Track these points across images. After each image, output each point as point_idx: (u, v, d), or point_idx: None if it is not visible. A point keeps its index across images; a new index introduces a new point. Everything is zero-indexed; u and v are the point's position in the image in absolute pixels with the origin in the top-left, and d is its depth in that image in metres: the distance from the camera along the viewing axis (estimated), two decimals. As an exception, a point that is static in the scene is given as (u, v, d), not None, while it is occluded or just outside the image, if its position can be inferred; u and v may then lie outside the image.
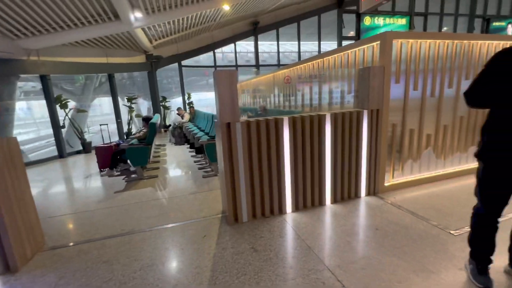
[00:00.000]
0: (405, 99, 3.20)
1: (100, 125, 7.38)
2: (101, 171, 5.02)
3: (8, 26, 5.28)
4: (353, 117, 2.93)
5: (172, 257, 2.20)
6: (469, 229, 1.77)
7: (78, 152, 7.50)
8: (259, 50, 14.36)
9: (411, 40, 3.06)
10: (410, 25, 16.11)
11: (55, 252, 2.38)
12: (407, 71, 3.12)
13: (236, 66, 13.55)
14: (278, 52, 14.06)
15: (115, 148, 5.01)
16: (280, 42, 14.43)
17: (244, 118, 2.70)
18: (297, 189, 2.86)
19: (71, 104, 7.55)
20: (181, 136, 7.62)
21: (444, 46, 3.23)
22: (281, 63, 14.16)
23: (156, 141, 8.26)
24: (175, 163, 5.55)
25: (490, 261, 1.71)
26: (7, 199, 2.05)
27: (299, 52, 14.34)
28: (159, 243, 2.42)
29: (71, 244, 2.51)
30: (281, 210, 2.85)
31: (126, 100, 9.11)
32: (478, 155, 1.59)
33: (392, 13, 15.25)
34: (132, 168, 4.91)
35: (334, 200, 3.05)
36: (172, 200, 3.46)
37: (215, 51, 13.06)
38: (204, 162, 5.26)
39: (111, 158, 4.82)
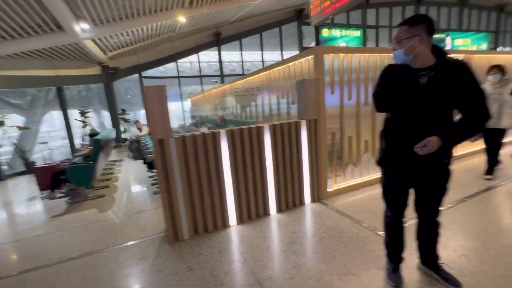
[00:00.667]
0: (341, 108, 3.41)
1: (41, 143, 6.82)
2: (42, 193, 4.61)
3: None
4: (292, 127, 3.04)
5: (98, 287, 2.05)
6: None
7: (21, 173, 6.83)
8: (229, 60, 14.49)
9: (341, 54, 3.28)
10: (364, 37, 17.36)
11: (-39, 293, 2.11)
12: (340, 82, 3.33)
13: (200, 76, 13.48)
14: (242, 62, 14.29)
15: (58, 168, 4.64)
16: (248, 52, 14.70)
17: (205, 128, 2.65)
18: (240, 201, 2.87)
19: (13, 120, 6.90)
20: (138, 150, 7.29)
21: (373, 59, 3.52)
22: (248, 72, 14.40)
23: (113, 157, 7.83)
24: (128, 180, 5.29)
25: (401, 260, 1.84)
26: None
27: (262, 62, 14.71)
28: (88, 271, 2.25)
29: (-16, 282, 2.24)
30: (225, 224, 2.83)
31: (79, 114, 8.55)
32: (379, 162, 1.72)
33: (348, 25, 16.38)
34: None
35: (279, 209, 3.10)
36: (114, 221, 3.27)
37: (180, 61, 12.92)
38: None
39: (52, 179, 4.45)
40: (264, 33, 14.43)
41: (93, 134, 4.86)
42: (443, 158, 1.53)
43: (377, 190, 3.52)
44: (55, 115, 11.46)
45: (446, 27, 17.94)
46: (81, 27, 5.90)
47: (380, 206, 3.02)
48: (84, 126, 8.63)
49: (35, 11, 5.03)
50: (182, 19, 7.56)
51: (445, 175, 1.59)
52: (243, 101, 5.89)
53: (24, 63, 7.02)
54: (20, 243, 2.92)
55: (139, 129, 8.07)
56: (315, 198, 3.31)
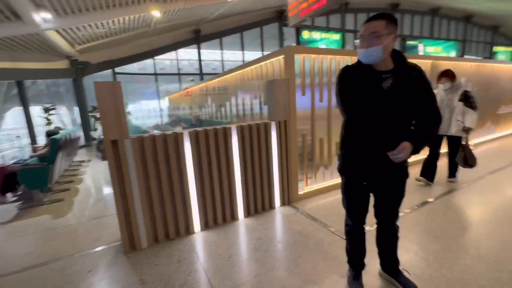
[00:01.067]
0: (312, 110, 3.36)
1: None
2: (-9, 197, 4.16)
3: None
4: (261, 128, 2.94)
5: (35, 305, 1.83)
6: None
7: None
8: (211, 59, 14.17)
9: (313, 55, 3.23)
10: (343, 40, 17.72)
11: None
12: (312, 84, 3.29)
13: (179, 74, 13.10)
14: (222, 61, 14.09)
15: (10, 169, 4.22)
16: (231, 51, 14.47)
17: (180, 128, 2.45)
18: (205, 205, 2.72)
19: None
20: (107, 150, 6.88)
21: (344, 61, 3.51)
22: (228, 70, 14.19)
23: (80, 157, 7.35)
24: (93, 182, 4.94)
25: (363, 266, 1.80)
26: None
27: (243, 61, 14.57)
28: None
29: None
30: (188, 230, 2.67)
31: (43, 110, 7.94)
32: (339, 170, 1.66)
33: (327, 28, 16.69)
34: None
35: (248, 214, 2.99)
36: (67, 229, 2.99)
37: (160, 58, 12.48)
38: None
39: (4, 181, 4.03)
40: (245, 33, 14.32)
41: (51, 133, 4.47)
42: (405, 161, 1.50)
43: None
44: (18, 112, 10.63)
45: (419, 34, 18.82)
46: (42, 17, 5.44)
47: (348, 209, 3.03)
48: (48, 124, 8.03)
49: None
50: (156, 13, 7.25)
51: (404, 178, 1.56)
52: (217, 100, 5.73)
53: (-23, 53, 6.39)
54: (-47, 255, 2.57)
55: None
56: (285, 201, 3.24)
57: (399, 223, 1.72)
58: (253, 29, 14.45)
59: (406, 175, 1.56)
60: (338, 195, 3.43)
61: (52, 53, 8.46)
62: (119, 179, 2.28)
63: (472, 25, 20.22)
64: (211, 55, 14.45)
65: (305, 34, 16.12)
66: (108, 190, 4.36)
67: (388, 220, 1.68)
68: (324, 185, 3.56)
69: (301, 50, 3.19)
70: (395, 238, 1.73)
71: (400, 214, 1.69)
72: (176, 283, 1.94)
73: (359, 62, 1.46)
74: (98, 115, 10.51)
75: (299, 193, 3.34)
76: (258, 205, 3.05)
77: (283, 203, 3.23)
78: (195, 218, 2.68)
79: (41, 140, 8.27)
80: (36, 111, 8.57)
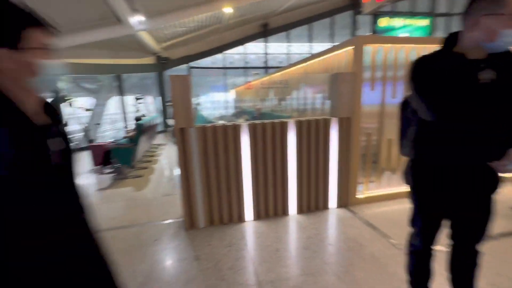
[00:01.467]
0: (382, 107, 3.02)
1: (95, 124, 7.70)
2: (95, 168, 5.24)
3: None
4: (320, 124, 2.81)
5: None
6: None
7: (84, 149, 7.90)
8: (277, 52, 14.26)
9: (387, 45, 2.87)
10: (432, 26, 15.23)
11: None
12: (383, 78, 2.94)
13: (245, 67, 13.60)
14: (288, 53, 13.93)
15: (107, 147, 5.20)
16: (297, 44, 14.23)
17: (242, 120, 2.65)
18: (258, 197, 2.79)
19: (79, 103, 7.97)
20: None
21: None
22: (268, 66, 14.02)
23: (158, 141, 8.48)
24: (166, 164, 5.66)
25: (427, 291, 1.55)
26: None
27: (310, 53, 14.07)
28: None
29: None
30: (241, 218, 2.80)
31: (134, 100, 9.45)
32: (408, 180, 1.43)
33: (412, 14, 14.55)
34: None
35: (300, 210, 2.94)
36: (144, 201, 3.52)
37: (229, 52, 13.21)
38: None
39: (104, 156, 5.00)
40: (315, 24, 13.77)
41: (137, 119, 5.28)
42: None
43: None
44: (116, 100, 12.85)
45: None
46: (137, 20, 6.39)
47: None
48: (137, 111, 9.51)
49: (98, 6, 5.61)
50: (228, 9, 7.64)
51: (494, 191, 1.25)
52: (279, 94, 5.72)
53: (90, 52, 7.97)
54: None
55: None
56: (342, 204, 3.05)
57: (483, 248, 1.40)
58: (323, 19, 13.77)
59: (497, 188, 1.25)
60: (404, 205, 3.04)
61: (142, 51, 9.89)
62: (184, 163, 2.53)
63: None
64: (279, 48, 14.41)
65: (383, 22, 14.43)
66: (177, 172, 4.93)
67: (469, 243, 1.38)
68: (388, 192, 3.19)
69: (373, 40, 2.88)
70: (475, 265, 1.42)
71: (486, 237, 1.38)
72: (225, 266, 2.07)
73: (443, 50, 1.21)
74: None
75: (357, 196, 3.09)
76: (312, 203, 2.96)
77: (338, 205, 3.05)
78: (247, 207, 2.78)
79: (132, 125, 9.91)
80: (129, 100, 10.27)
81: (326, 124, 2.83)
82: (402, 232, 2.46)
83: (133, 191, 3.97)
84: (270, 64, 13.72)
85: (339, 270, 1.96)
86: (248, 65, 13.63)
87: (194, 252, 2.27)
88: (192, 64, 12.43)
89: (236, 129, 2.60)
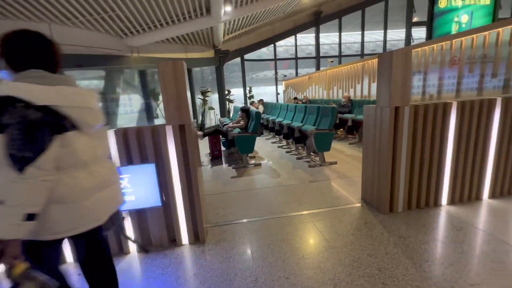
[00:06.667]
0: None
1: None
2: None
3: (121, 26, 5.86)
4: (525, 102, 2.59)
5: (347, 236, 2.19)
6: None
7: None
8: (322, 42, 13.87)
9: None
10: (496, 4, 14.12)
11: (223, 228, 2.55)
12: None
13: (296, 58, 13.37)
14: (340, 43, 13.47)
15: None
16: (341, 33, 13.73)
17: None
18: (455, 180, 2.65)
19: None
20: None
21: None
22: (342, 54, 13.60)
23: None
24: (266, 153, 5.65)
25: None
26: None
27: (362, 42, 13.56)
28: (327, 224, 2.44)
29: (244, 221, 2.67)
30: (436, 202, 2.67)
31: (200, 93, 9.59)
32: None
33: (474, -8, 13.51)
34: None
35: (492, 195, 2.76)
36: (296, 187, 3.49)
37: (278, 43, 13.02)
38: (298, 152, 5.26)
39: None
40: (367, 9, 13.19)
41: (245, 109, 5.28)
42: None
43: None
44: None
45: None
46: (225, 10, 6.38)
47: None
48: (204, 104, 9.66)
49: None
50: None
51: None
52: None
53: (168, 47, 8.14)
54: (228, 195, 3.40)
55: (256, 108, 8.56)
56: (534, 188, 2.83)
57: None
58: (377, 4, 13.14)
59: None
60: None
61: (206, 45, 9.97)
62: (393, 144, 2.44)
63: None
64: (331, 38, 13.89)
65: (442, 3, 13.57)
66: (288, 161, 4.88)
67: None
68: None
69: None
70: None
71: None
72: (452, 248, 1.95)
73: None
74: (231, 98, 12.01)
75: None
76: (506, 187, 2.77)
77: (528, 189, 2.83)
78: (444, 191, 2.65)
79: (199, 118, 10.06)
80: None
81: (531, 101, 2.60)
82: None
83: (270, 178, 3.97)
84: (319, 54, 13.37)
85: None
86: (296, 56, 13.37)
87: (422, 235, 2.18)
88: (247, 56, 12.39)
89: (446, 108, 2.46)
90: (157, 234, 2.26)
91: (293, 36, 13.12)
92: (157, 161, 2.13)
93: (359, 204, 2.85)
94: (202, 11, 6.35)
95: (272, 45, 12.94)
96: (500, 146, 2.65)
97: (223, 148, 5.75)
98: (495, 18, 13.45)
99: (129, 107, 7.73)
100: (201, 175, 2.38)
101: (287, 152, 5.55)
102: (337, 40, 13.53)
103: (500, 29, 3.13)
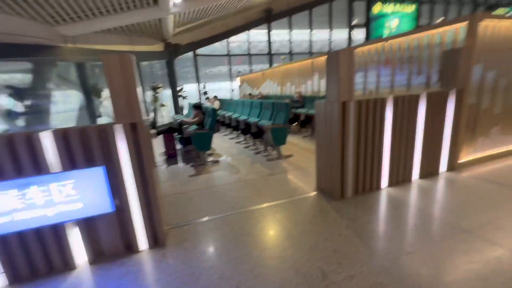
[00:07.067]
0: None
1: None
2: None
3: (50, 12, 5.11)
4: (442, 96, 3.10)
5: (303, 226, 2.34)
6: None
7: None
8: (270, 40, 14.19)
9: (505, 22, 3.21)
10: (418, 13, 16.22)
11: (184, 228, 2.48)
12: (490, 54, 3.28)
13: (249, 54, 13.47)
14: (290, 41, 14.00)
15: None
16: (291, 31, 14.26)
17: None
18: (392, 165, 3.03)
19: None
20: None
21: (518, 29, 3.40)
22: (292, 52, 14.18)
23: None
24: (224, 150, 5.62)
25: None
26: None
27: (310, 41, 14.34)
28: (286, 214, 2.55)
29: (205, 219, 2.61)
30: (378, 186, 3.02)
31: (151, 89, 8.98)
32: None
33: (401, 0, 15.39)
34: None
35: (420, 176, 3.25)
36: (256, 181, 3.57)
37: (231, 39, 12.90)
38: (256, 147, 5.36)
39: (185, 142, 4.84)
40: (314, 10, 13.96)
41: (198, 106, 5.12)
42: None
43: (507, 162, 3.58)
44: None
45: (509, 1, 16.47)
46: (174, 2, 6.07)
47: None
48: (155, 101, 9.08)
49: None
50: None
51: None
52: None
53: (112, 38, 7.40)
54: (190, 194, 3.29)
55: (212, 104, 8.39)
56: (449, 167, 3.41)
57: None
58: (323, 5, 14.01)
59: None
60: (500, 164, 3.51)
61: (154, 37, 9.35)
62: (342, 136, 2.67)
63: None
64: (282, 35, 14.25)
65: (376, 8, 15.17)
66: (246, 156, 4.95)
67: None
68: (485, 154, 3.63)
69: (489, 17, 3.17)
70: None
71: None
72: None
73: None
74: (184, 94, 11.53)
75: (461, 161, 3.47)
76: (428, 168, 3.28)
77: (448, 169, 3.41)
78: (384, 175, 3.01)
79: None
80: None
81: (445, 97, 3.12)
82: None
83: (229, 174, 3.97)
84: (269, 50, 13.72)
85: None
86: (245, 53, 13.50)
87: (368, 216, 2.46)
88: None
89: (382, 102, 2.78)
90: (111, 242, 2.08)
91: (246, 32, 13.18)
92: (106, 163, 1.95)
93: (315, 193, 3.06)
94: (148, 0, 5.92)
95: (226, 40, 12.79)
96: (425, 133, 3.12)
97: (178, 147, 5.52)
98: (417, 24, 15.60)
99: (66, 105, 6.83)
100: (157, 176, 2.26)
101: (245, 147, 5.61)
102: (287, 38, 14.04)
103: (422, 34, 3.66)
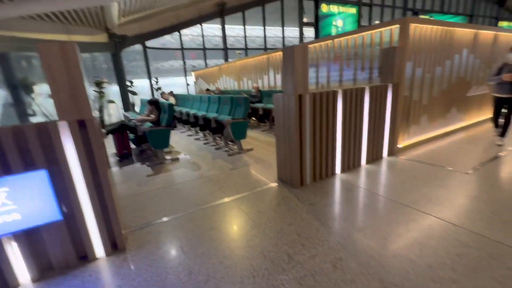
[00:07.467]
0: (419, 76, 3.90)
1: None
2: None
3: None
4: (382, 89, 3.49)
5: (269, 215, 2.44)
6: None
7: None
8: (233, 34, 14.01)
9: (429, 26, 3.71)
10: (359, 14, 17.71)
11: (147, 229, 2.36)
12: (418, 52, 3.79)
13: (204, 48, 13.12)
14: (245, 36, 14.04)
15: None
16: (245, 27, 14.30)
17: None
18: (344, 152, 3.32)
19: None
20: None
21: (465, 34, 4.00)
22: (248, 47, 14.24)
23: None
24: (183, 147, 5.44)
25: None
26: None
27: (265, 37, 14.58)
28: (251, 205, 2.61)
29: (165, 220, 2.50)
30: (333, 172, 3.29)
31: (94, 84, 8.11)
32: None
33: (344, 2, 16.63)
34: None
35: (367, 162, 3.63)
36: (218, 176, 3.56)
37: (182, 32, 12.35)
38: (216, 143, 5.31)
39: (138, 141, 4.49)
40: (266, 6, 14.19)
41: (155, 101, 4.83)
42: None
43: (434, 145, 4.20)
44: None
45: (430, 9, 19.05)
46: (118, -12, 5.55)
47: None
48: (101, 97, 8.25)
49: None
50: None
51: None
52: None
53: (37, 25, 6.45)
54: (154, 193, 3.12)
55: (166, 100, 7.97)
56: (390, 152, 3.87)
57: None
58: (275, 1, 14.32)
59: None
60: (427, 148, 4.10)
61: (97, 27, 8.45)
62: (299, 126, 2.82)
63: (479, 0, 20.45)
64: (236, 30, 14.18)
65: (324, 8, 16.12)
66: (207, 152, 4.88)
67: None
68: (418, 139, 4.21)
69: (416, 21, 3.64)
70: None
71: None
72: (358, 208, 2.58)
73: None
74: (134, 90, 10.70)
75: (399, 146, 3.97)
76: (373, 154, 3.69)
77: (389, 154, 3.87)
78: (338, 162, 3.29)
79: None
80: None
81: (385, 89, 3.52)
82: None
83: (191, 171, 3.87)
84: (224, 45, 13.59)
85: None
86: (200, 47, 13.18)
87: (327, 200, 2.68)
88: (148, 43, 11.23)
89: (334, 95, 3.01)
90: (60, 253, 1.87)
91: (199, 25, 12.78)
92: (49, 166, 1.74)
93: (276, 184, 3.18)
94: (87, -15, 5.31)
95: (178, 33, 12.21)
96: (370, 122, 3.48)
97: (132, 146, 5.15)
98: (359, 25, 17.08)
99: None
100: (112, 177, 2.09)
101: (205, 143, 5.51)
102: (242, 33, 14.04)
103: (364, 33, 4.05)
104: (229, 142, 5.05)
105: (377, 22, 17.64)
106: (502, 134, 3.93)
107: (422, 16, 19.84)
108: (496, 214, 2.22)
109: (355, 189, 2.88)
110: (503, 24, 21.64)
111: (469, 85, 4.92)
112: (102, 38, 9.05)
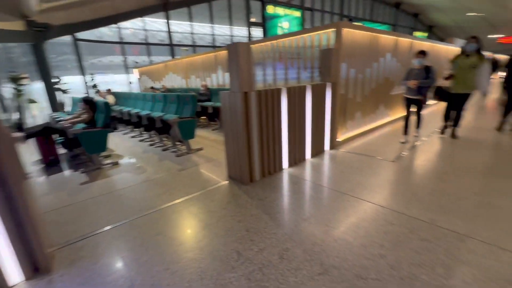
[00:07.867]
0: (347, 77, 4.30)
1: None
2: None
3: None
4: (322, 88, 3.76)
5: (217, 215, 2.41)
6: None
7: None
8: (170, 30, 13.33)
9: (357, 31, 4.11)
10: (303, 18, 18.76)
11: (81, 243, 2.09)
12: (352, 55, 4.19)
13: (147, 43, 12.24)
14: (192, 33, 13.58)
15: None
16: (193, 24, 13.83)
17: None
18: (290, 147, 3.48)
19: None
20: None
21: (388, 40, 4.49)
22: (195, 44, 13.79)
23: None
24: (124, 149, 4.99)
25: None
26: (32, 187, 1.67)
27: (213, 34, 14.34)
28: (200, 206, 2.53)
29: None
30: (281, 167, 3.42)
31: (10, 80, 6.83)
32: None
33: (289, 5, 17.43)
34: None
35: (311, 155, 3.87)
36: (166, 178, 3.37)
37: (124, 24, 11.30)
38: (163, 144, 5.01)
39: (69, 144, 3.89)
40: (213, 4, 13.94)
41: (89, 100, 4.30)
42: None
43: (370, 136, 4.70)
44: None
45: (362, 17, 21.35)
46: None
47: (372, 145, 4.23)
48: (19, 96, 6.98)
49: None
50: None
51: None
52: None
53: None
54: (79, 205, 2.76)
55: (103, 98, 7.19)
56: (332, 146, 4.21)
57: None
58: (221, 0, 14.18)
59: None
60: (363, 140, 4.57)
61: (7, 11, 7.12)
62: (246, 123, 2.85)
63: (400, 11, 23.72)
64: (172, 26, 13.58)
65: (270, 9, 16.63)
66: (153, 154, 4.58)
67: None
68: (353, 133, 4.66)
69: (348, 26, 4.00)
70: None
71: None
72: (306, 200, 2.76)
73: None
74: (64, 87, 9.37)
75: (338, 140, 4.35)
76: (317, 148, 3.96)
77: (330, 147, 4.20)
78: (284, 157, 3.43)
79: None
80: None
81: (325, 87, 3.80)
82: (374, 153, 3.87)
83: (135, 175, 3.57)
84: (172, 41, 12.96)
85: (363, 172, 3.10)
86: (143, 42, 12.32)
87: (274, 194, 2.78)
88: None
89: (279, 93, 3.12)
90: (-41, 286, 1.52)
91: (140, 18, 11.86)
92: None
93: (227, 182, 3.16)
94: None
95: (116, 25, 11.13)
96: (312, 118, 3.72)
97: (64, 151, 4.51)
98: (303, 27, 18.12)
99: None
100: (30, 190, 1.78)
101: (150, 145, 5.15)
102: (189, 29, 13.54)
103: (306, 35, 4.31)
104: (177, 143, 4.83)
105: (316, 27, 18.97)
106: (417, 126, 4.61)
107: (354, 23, 22.18)
108: (413, 195, 2.60)
109: (301, 182, 3.05)
110: (417, 34, 25.48)
111: (392, 84, 5.66)
112: (16, 25, 7.67)
